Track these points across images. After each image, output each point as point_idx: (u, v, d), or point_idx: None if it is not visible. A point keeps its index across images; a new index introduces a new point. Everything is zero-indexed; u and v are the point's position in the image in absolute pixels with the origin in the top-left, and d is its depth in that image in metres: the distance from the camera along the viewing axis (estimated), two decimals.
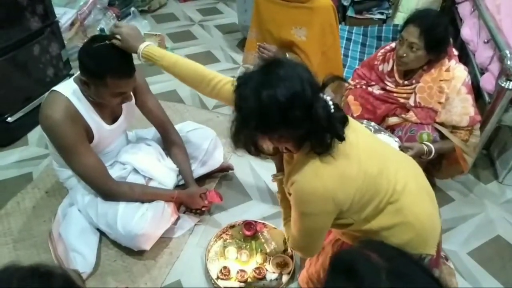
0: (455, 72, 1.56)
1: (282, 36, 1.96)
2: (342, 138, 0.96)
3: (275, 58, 0.98)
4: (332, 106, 0.94)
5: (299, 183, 1.00)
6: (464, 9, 2.41)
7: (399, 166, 1.10)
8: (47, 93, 1.43)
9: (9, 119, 2.06)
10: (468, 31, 2.18)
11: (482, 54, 1.93)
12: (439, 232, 1.12)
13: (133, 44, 1.32)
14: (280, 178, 1.26)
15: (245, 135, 0.96)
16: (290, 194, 1.08)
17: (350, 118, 1.21)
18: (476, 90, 1.66)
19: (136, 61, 1.37)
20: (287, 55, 1.96)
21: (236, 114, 0.95)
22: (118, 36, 1.31)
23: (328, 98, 0.95)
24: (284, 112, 0.88)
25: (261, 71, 0.93)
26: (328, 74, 2.08)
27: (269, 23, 1.97)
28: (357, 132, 1.08)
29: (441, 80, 1.57)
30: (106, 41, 1.30)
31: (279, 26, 1.95)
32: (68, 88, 1.40)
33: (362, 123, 1.68)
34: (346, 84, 1.90)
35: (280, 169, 1.27)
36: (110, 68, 1.29)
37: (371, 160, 1.03)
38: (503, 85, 1.63)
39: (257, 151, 1.00)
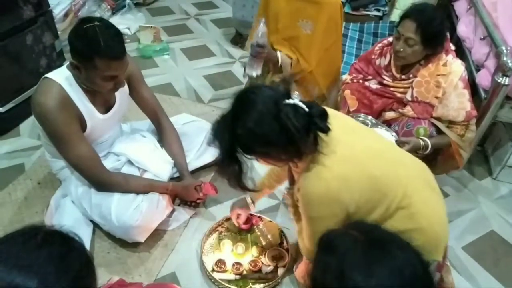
0: (452, 66, 1.56)
1: (287, 29, 1.95)
2: (325, 130, 0.96)
3: (239, 93, 1.02)
4: (304, 106, 0.94)
5: (304, 188, 1.02)
6: (460, 7, 2.42)
7: (407, 168, 1.10)
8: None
9: (1, 109, 2.02)
10: (464, 28, 2.19)
11: (479, 50, 1.94)
12: (448, 236, 1.12)
13: None
14: (292, 192, 1.27)
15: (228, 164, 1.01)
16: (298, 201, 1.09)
17: (351, 119, 1.21)
18: (472, 86, 1.66)
19: (131, 53, 1.34)
20: (278, 54, 1.95)
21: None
22: None
23: (297, 100, 0.95)
24: (255, 134, 0.94)
25: (231, 110, 0.99)
26: (326, 69, 2.08)
27: (276, 15, 1.95)
28: (358, 134, 1.09)
29: (438, 75, 1.57)
30: (96, 22, 1.27)
31: (286, 18, 1.93)
32: (61, 75, 1.37)
33: (359, 117, 1.68)
34: (343, 79, 1.90)
35: (292, 183, 1.28)
36: (99, 48, 1.25)
37: (375, 162, 1.04)
38: (499, 80, 1.64)
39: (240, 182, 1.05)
